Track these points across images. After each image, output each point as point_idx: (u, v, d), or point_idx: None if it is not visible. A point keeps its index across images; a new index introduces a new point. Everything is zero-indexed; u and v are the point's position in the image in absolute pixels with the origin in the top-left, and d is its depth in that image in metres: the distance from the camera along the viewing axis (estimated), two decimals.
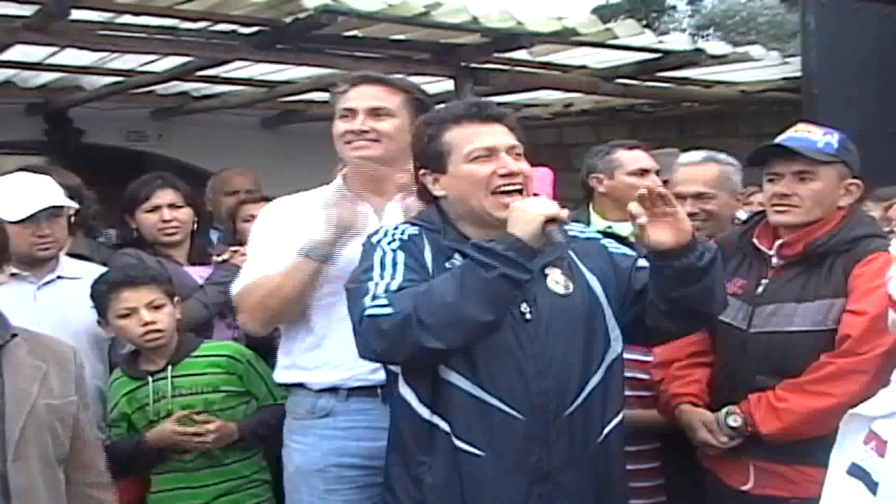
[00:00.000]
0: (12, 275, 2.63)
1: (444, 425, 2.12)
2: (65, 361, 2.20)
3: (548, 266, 2.19)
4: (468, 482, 2.11)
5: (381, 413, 2.50)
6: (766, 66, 6.33)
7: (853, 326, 2.41)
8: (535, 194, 2.18)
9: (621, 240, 2.57)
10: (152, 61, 5.69)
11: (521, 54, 5.51)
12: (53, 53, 5.43)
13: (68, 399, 2.16)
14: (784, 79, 6.34)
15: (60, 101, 6.51)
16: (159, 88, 6.48)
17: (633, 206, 2.10)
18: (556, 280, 2.20)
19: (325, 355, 2.56)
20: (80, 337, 2.78)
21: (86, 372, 2.33)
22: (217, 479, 2.85)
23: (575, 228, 2.30)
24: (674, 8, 18.54)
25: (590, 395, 2.17)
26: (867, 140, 3.13)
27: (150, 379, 2.85)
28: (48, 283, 2.98)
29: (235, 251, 3.29)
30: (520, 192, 2.15)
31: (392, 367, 2.21)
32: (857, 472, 1.67)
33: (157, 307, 2.83)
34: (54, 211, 2.93)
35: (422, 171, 2.24)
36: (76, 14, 4.34)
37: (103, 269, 3.02)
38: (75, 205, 3.10)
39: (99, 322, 2.88)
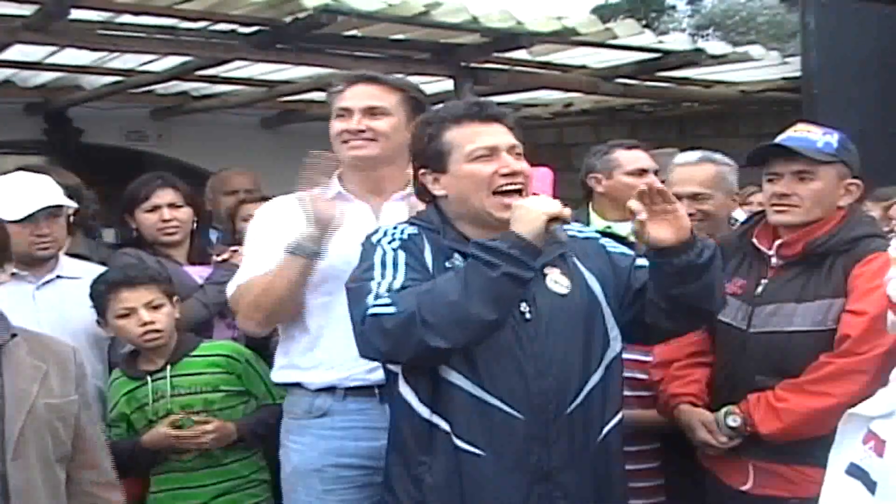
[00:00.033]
0: (12, 274, 2.62)
1: (444, 425, 2.12)
2: (65, 361, 2.20)
3: (547, 266, 2.19)
4: (468, 482, 2.11)
5: (378, 413, 2.50)
6: (765, 66, 6.33)
7: (853, 326, 2.41)
8: (534, 194, 2.18)
9: (620, 240, 2.57)
10: (152, 61, 5.68)
11: (520, 54, 5.51)
12: (53, 53, 5.43)
13: (68, 398, 2.16)
14: (784, 79, 6.34)
15: (60, 101, 6.50)
16: (159, 88, 6.48)
17: (633, 203, 2.11)
18: (556, 280, 2.20)
19: (322, 355, 2.56)
20: (79, 337, 2.78)
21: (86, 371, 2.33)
22: (216, 478, 2.85)
23: (573, 228, 2.30)
24: (673, 8, 18.55)
25: (589, 395, 2.18)
26: (867, 140, 3.13)
27: (149, 379, 2.85)
28: (47, 282, 2.98)
29: (235, 251, 3.29)
30: (520, 191, 2.16)
31: (391, 367, 2.21)
32: (855, 471, 1.67)
33: (156, 307, 2.83)
34: (53, 210, 2.93)
35: (421, 171, 2.24)
36: (76, 14, 4.33)
37: (103, 269, 3.02)
38: (74, 204, 3.10)
39: (98, 322, 2.88)
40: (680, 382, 2.72)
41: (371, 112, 2.56)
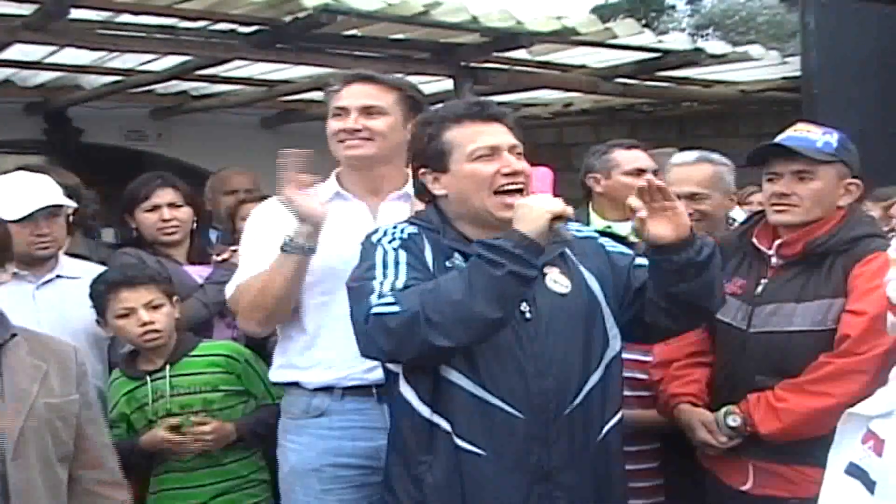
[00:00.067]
0: (13, 274, 2.62)
1: (445, 424, 2.12)
2: (65, 360, 2.20)
3: (546, 265, 2.18)
4: (469, 482, 2.11)
5: (376, 413, 2.50)
6: (765, 66, 6.33)
7: (852, 326, 2.41)
8: (534, 193, 2.18)
9: (620, 239, 2.57)
10: (151, 60, 5.69)
11: (520, 54, 5.51)
12: (52, 52, 5.43)
13: (69, 398, 2.16)
14: (784, 78, 6.34)
15: (60, 101, 6.50)
16: (159, 88, 6.48)
17: (633, 200, 2.12)
18: (555, 279, 2.20)
19: (319, 355, 2.56)
20: (79, 336, 2.77)
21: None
22: (215, 478, 2.85)
23: (572, 228, 2.30)
24: (673, 7, 18.55)
25: (589, 395, 2.18)
26: (867, 140, 3.13)
27: (148, 379, 2.85)
28: (47, 282, 2.98)
29: (235, 251, 3.28)
30: (521, 191, 2.16)
31: (391, 367, 2.21)
32: (855, 471, 1.67)
33: (156, 307, 2.83)
34: (53, 210, 2.93)
35: (422, 171, 2.24)
36: (75, 13, 4.34)
37: (102, 269, 3.02)
38: (74, 204, 3.10)
39: (98, 322, 2.88)
40: (680, 382, 2.72)
41: (367, 111, 2.55)
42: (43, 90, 6.36)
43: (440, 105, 2.37)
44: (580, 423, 2.16)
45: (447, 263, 2.16)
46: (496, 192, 2.15)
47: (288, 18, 4.58)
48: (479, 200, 2.16)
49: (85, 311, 2.88)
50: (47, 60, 5.61)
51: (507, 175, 2.15)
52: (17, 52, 5.30)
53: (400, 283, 2.07)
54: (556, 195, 2.14)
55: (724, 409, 2.56)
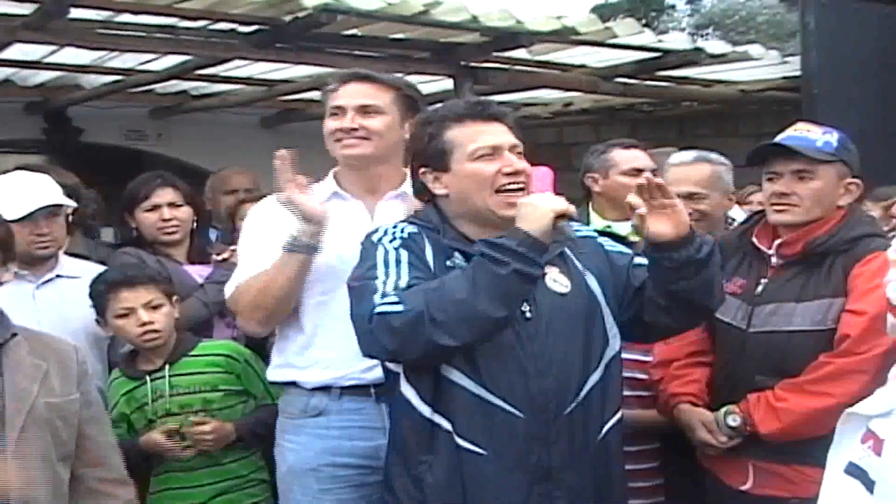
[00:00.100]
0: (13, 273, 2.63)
1: (446, 424, 2.12)
2: (66, 360, 2.20)
3: (546, 265, 2.18)
4: (469, 481, 2.11)
5: (374, 412, 2.50)
6: (765, 66, 6.33)
7: (852, 326, 2.41)
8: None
9: (620, 239, 2.57)
10: (151, 60, 5.68)
11: (520, 53, 5.51)
12: (52, 52, 5.43)
13: (69, 397, 2.16)
14: (784, 78, 6.34)
15: (59, 100, 6.50)
16: (158, 87, 6.48)
17: (633, 198, 2.13)
18: (555, 279, 2.20)
19: (317, 354, 2.56)
20: (79, 336, 2.77)
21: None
22: (215, 478, 2.85)
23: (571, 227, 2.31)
24: (673, 7, 18.56)
25: (589, 394, 2.18)
26: (867, 140, 3.12)
27: (147, 378, 2.85)
28: (47, 281, 2.98)
29: (234, 250, 3.28)
30: (522, 190, 2.16)
31: (392, 367, 2.21)
32: (854, 470, 1.67)
33: (155, 307, 2.83)
34: (53, 210, 2.93)
35: (422, 170, 2.24)
36: (75, 13, 4.34)
37: (102, 268, 3.02)
38: (73, 203, 3.10)
39: (97, 321, 2.88)
40: (680, 382, 2.72)
41: (364, 110, 2.55)
42: (43, 90, 6.36)
43: (439, 104, 2.37)
44: (580, 422, 2.16)
45: (447, 263, 2.16)
46: (497, 191, 2.15)
47: (288, 18, 4.57)
48: (480, 199, 2.16)
49: (85, 310, 2.88)
50: (47, 60, 5.61)
51: (508, 175, 2.16)
52: (16, 51, 5.30)
53: (403, 283, 2.07)
54: (556, 195, 2.15)
55: (723, 409, 2.56)
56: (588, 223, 3.30)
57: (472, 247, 2.11)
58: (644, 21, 12.19)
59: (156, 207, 3.30)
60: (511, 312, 2.04)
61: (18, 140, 6.75)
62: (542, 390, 2.12)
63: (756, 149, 2.62)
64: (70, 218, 3.14)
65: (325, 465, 2.53)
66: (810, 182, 2.54)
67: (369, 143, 2.55)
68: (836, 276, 2.49)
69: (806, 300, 2.51)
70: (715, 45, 6.21)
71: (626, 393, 2.36)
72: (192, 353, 2.90)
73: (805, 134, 2.58)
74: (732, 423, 2.53)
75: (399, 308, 2.00)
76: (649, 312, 2.21)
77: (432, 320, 1.97)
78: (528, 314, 2.14)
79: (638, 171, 3.37)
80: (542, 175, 2.24)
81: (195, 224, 3.41)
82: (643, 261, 2.23)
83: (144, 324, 2.80)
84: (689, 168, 3.20)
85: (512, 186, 2.15)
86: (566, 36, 5.17)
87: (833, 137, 2.57)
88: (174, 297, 2.92)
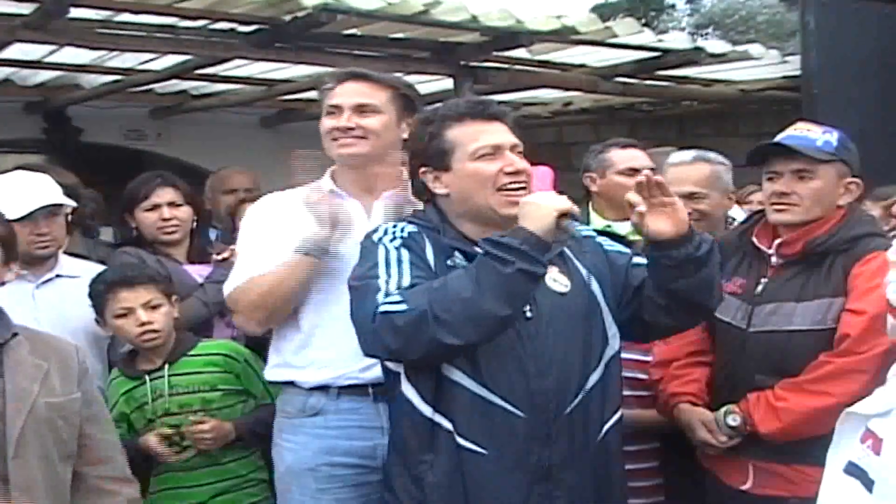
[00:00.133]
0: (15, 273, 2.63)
1: (446, 424, 2.12)
2: (66, 359, 2.20)
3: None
4: (470, 481, 2.11)
5: (372, 412, 2.50)
6: (765, 65, 6.32)
7: (852, 326, 2.41)
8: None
9: (620, 239, 2.57)
10: (151, 59, 5.68)
11: (520, 53, 5.50)
12: (52, 52, 5.43)
13: (70, 397, 2.16)
14: (784, 78, 6.34)
15: (59, 100, 6.50)
16: (158, 87, 6.48)
17: (632, 195, 2.13)
18: (555, 278, 2.20)
19: (314, 354, 2.56)
20: (78, 335, 2.77)
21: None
22: (214, 478, 2.85)
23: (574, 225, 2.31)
24: (673, 6, 18.55)
25: (589, 394, 2.18)
26: (867, 140, 3.12)
27: (147, 378, 2.85)
28: (47, 281, 2.99)
29: (234, 250, 3.29)
30: (523, 189, 2.16)
31: (392, 367, 2.21)
32: (853, 470, 1.66)
33: (154, 307, 2.83)
34: (52, 209, 2.93)
35: (422, 169, 2.24)
36: (75, 12, 4.33)
37: (102, 268, 3.02)
38: (73, 203, 3.10)
39: (97, 321, 2.88)
40: (679, 382, 2.72)
41: (361, 109, 2.55)
42: (42, 89, 6.35)
43: (439, 104, 2.37)
44: (580, 422, 2.16)
45: (448, 262, 2.16)
46: (499, 191, 2.16)
47: (288, 17, 4.57)
48: (482, 199, 2.16)
49: (84, 310, 2.88)
50: (47, 59, 5.61)
51: (510, 174, 2.16)
52: (16, 51, 5.29)
53: (405, 282, 2.07)
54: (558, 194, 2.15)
55: (723, 409, 2.56)
56: (588, 223, 3.30)
57: (473, 246, 2.11)
58: (644, 20, 12.20)
59: (156, 207, 3.31)
60: (516, 311, 2.04)
61: (18, 140, 6.74)
62: (542, 390, 2.12)
63: (756, 148, 2.62)
64: (69, 218, 3.13)
65: (322, 465, 2.53)
66: (810, 181, 2.54)
67: (366, 143, 2.55)
68: (836, 276, 2.49)
69: (806, 300, 2.51)
70: (715, 45, 6.21)
71: (625, 393, 2.36)
72: (192, 352, 2.90)
73: (805, 133, 2.58)
74: (732, 423, 2.53)
75: (403, 307, 2.00)
76: (649, 312, 2.21)
77: (436, 319, 1.97)
78: (528, 313, 2.14)
79: (634, 171, 3.36)
80: (543, 175, 2.24)
81: (195, 224, 3.41)
82: (642, 260, 2.23)
83: (143, 324, 2.80)
84: (688, 168, 3.20)
85: (513, 186, 2.16)
86: (566, 35, 5.17)
87: (833, 137, 2.57)
88: (173, 297, 2.92)
